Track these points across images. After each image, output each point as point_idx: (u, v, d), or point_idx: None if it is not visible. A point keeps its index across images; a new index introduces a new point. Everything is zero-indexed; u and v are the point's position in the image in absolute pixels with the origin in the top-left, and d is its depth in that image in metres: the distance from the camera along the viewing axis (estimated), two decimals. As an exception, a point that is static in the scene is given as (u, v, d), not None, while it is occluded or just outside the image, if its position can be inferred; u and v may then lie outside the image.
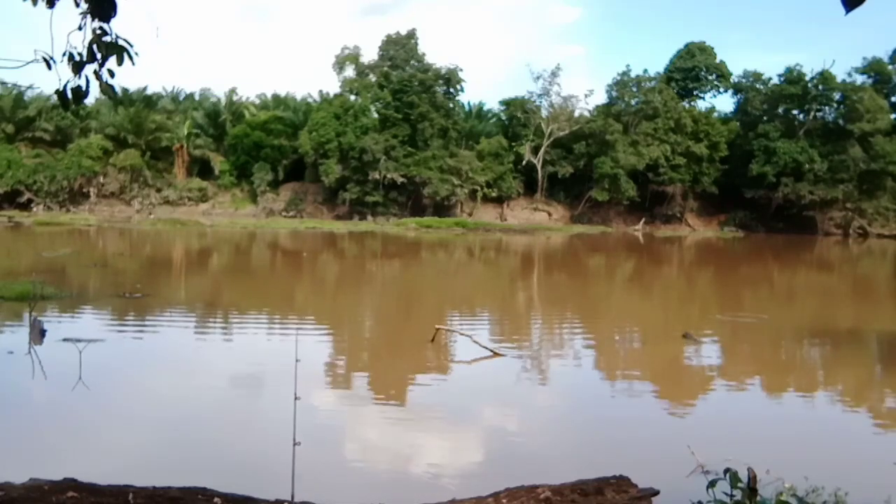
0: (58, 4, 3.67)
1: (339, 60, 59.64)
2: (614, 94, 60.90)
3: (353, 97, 58.87)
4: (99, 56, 3.60)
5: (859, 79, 58.75)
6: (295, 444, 5.35)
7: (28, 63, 3.66)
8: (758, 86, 60.55)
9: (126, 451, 7.40)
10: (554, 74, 61.12)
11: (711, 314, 18.98)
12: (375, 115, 58.36)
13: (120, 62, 3.63)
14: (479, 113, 70.01)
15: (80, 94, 3.64)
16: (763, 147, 56.58)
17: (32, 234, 41.48)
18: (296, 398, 5.25)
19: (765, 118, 59.19)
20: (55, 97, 3.66)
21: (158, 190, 59.31)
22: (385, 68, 58.88)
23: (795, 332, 16.46)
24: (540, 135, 59.66)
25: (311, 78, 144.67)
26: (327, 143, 55.31)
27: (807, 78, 57.34)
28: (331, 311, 18.77)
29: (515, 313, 18.97)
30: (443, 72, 58.98)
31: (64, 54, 3.56)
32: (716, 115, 62.17)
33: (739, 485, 3.84)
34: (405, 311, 19.07)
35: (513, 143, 59.81)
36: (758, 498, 3.92)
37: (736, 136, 58.88)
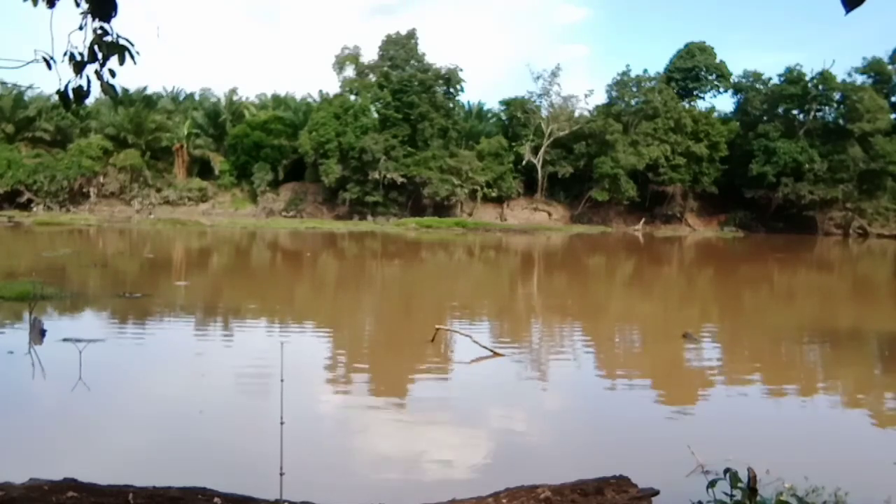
0: (58, 4, 3.67)
1: (339, 60, 59.65)
2: (614, 93, 60.89)
3: (353, 97, 58.88)
4: (100, 56, 3.60)
5: (859, 79, 58.75)
6: (283, 471, 5.33)
7: (28, 63, 3.66)
8: (758, 86, 60.54)
9: (126, 451, 7.40)
10: (554, 74, 61.20)
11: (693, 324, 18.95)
12: (375, 115, 58.37)
13: (121, 62, 3.63)
14: (479, 113, 70.01)
15: (81, 93, 3.64)
16: (763, 147, 56.57)
17: (32, 234, 41.48)
18: (282, 423, 5.19)
19: (765, 118, 59.17)
20: (55, 97, 3.68)
21: (158, 190, 59.31)
22: (385, 68, 58.87)
23: (795, 332, 16.45)
24: (540, 135, 59.66)
25: (312, 78, 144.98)
26: (327, 143, 55.33)
27: (807, 78, 57.33)
28: (331, 310, 18.77)
29: (515, 313, 18.97)
30: (443, 72, 58.98)
31: (65, 54, 3.56)
32: (716, 115, 62.13)
33: (739, 485, 3.84)
34: (405, 310, 19.07)
35: (513, 143, 59.80)
36: (758, 498, 3.92)
37: (736, 136, 58.86)
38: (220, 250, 36.54)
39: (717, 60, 62.15)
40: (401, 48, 59.08)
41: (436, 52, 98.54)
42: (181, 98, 68.91)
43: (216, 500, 4.76)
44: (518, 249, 41.51)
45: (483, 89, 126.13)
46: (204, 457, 7.34)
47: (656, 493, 5.24)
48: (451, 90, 60.29)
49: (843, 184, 55.92)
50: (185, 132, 61.27)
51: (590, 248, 43.88)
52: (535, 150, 59.59)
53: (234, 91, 66.10)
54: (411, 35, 59.41)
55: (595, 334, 15.76)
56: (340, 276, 27.74)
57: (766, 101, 59.43)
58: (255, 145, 58.73)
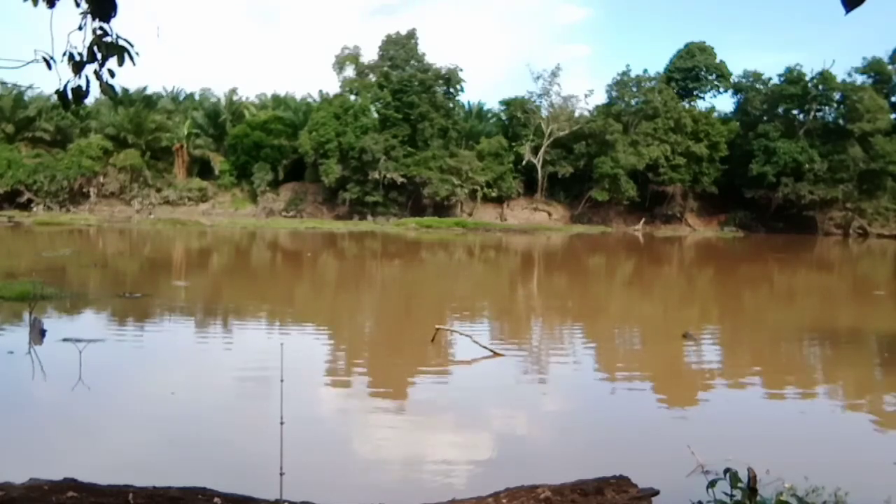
0: (58, 4, 3.67)
1: (339, 60, 59.64)
2: (614, 93, 60.88)
3: (353, 97, 58.87)
4: (99, 56, 3.60)
5: (859, 79, 58.71)
6: (283, 471, 5.33)
7: (28, 63, 3.66)
8: (758, 86, 60.51)
9: (126, 450, 7.40)
10: (554, 74, 61.17)
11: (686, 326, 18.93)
12: (375, 115, 58.37)
13: (120, 62, 3.63)
14: (479, 113, 69.99)
15: (80, 94, 3.64)
16: (763, 147, 56.56)
17: (32, 234, 41.47)
18: (281, 423, 5.19)
19: (765, 118, 59.15)
20: (55, 97, 3.66)
21: (158, 190, 59.30)
22: (385, 68, 58.87)
23: (795, 332, 16.46)
24: (540, 135, 59.66)
25: (312, 78, 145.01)
26: (327, 143, 55.33)
27: (807, 78, 57.30)
28: (331, 310, 18.77)
29: (515, 313, 18.96)
30: (443, 72, 58.98)
31: (64, 54, 3.56)
32: (716, 115, 62.08)
33: (739, 485, 3.84)
34: (405, 311, 19.07)
35: (513, 143, 59.79)
36: (758, 498, 3.92)
37: (736, 136, 58.83)
38: (220, 250, 36.54)
39: (717, 60, 62.12)
40: (401, 48, 59.07)
41: (436, 52, 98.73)
42: (181, 98, 68.91)
43: (216, 500, 4.76)
44: (518, 249, 41.51)
45: (483, 89, 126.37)
46: (204, 457, 7.34)
47: (656, 493, 5.24)
48: (451, 90, 60.29)
49: (843, 184, 55.91)
50: (185, 132, 61.27)
51: (590, 248, 43.88)
52: (535, 150, 59.59)
53: (234, 91, 66.20)
54: (411, 35, 59.40)
55: (595, 334, 15.75)
56: (340, 276, 27.73)
57: (766, 101, 59.41)
58: (255, 145, 58.73)
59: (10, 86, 54.68)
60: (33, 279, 16.96)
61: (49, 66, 3.53)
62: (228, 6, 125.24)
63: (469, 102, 69.80)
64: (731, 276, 31.15)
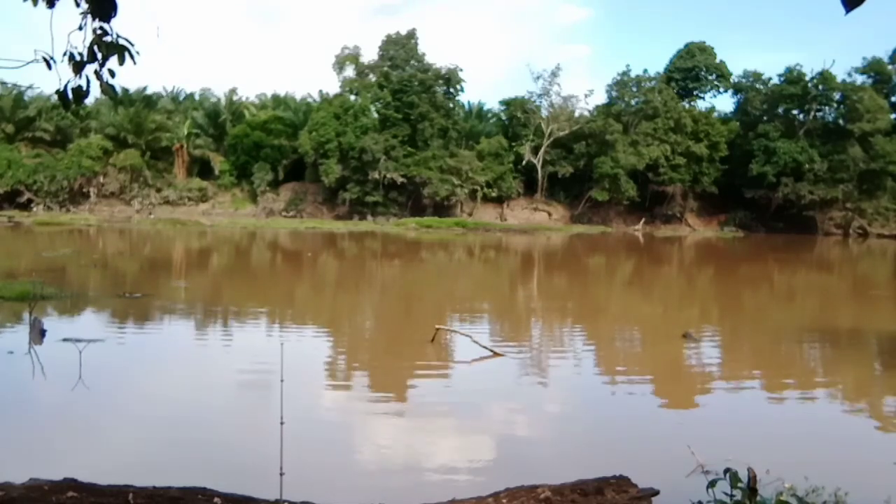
0: (58, 4, 3.67)
1: (339, 60, 59.67)
2: (614, 93, 60.92)
3: (353, 97, 58.88)
4: (99, 56, 3.60)
5: (859, 79, 58.77)
6: (283, 471, 5.32)
7: (28, 63, 3.66)
8: (758, 86, 60.54)
9: (126, 451, 7.40)
10: (554, 74, 61.24)
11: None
12: (375, 115, 58.38)
13: (121, 62, 3.63)
14: (479, 113, 70.00)
15: (80, 93, 3.64)
16: (763, 147, 56.58)
17: (32, 234, 41.47)
18: (282, 423, 5.17)
19: (765, 118, 59.18)
20: (55, 97, 3.66)
21: (158, 190, 59.31)
22: (385, 68, 58.89)
23: (795, 332, 16.45)
24: (540, 135, 59.66)
25: (312, 78, 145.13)
26: (327, 143, 55.34)
27: (807, 78, 57.34)
28: (331, 311, 18.77)
29: (515, 313, 18.96)
30: (443, 72, 58.99)
31: (64, 54, 3.56)
32: (716, 115, 62.15)
33: (739, 485, 3.84)
34: (405, 310, 19.07)
35: (513, 143, 59.81)
36: (758, 498, 3.92)
37: (736, 136, 58.87)
38: (220, 250, 36.54)
39: (717, 60, 62.15)
40: (401, 48, 59.08)
41: (436, 52, 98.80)
42: (181, 98, 68.93)
43: (216, 500, 4.76)
44: (518, 249, 41.50)
45: (483, 89, 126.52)
46: (204, 457, 7.33)
47: (656, 493, 5.24)
48: (451, 90, 60.31)
49: (843, 184, 55.93)
50: (185, 132, 61.29)
51: (590, 248, 43.87)
52: (535, 150, 59.59)
53: (234, 91, 66.30)
54: (411, 35, 59.41)
55: (595, 334, 15.75)
56: (340, 276, 27.73)
57: (766, 101, 59.43)
58: (255, 145, 58.75)
59: (10, 86, 54.79)
60: (33, 279, 16.96)
61: (49, 66, 3.53)
62: (228, 6, 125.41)
63: (469, 102, 70.00)
64: (731, 276, 31.14)
